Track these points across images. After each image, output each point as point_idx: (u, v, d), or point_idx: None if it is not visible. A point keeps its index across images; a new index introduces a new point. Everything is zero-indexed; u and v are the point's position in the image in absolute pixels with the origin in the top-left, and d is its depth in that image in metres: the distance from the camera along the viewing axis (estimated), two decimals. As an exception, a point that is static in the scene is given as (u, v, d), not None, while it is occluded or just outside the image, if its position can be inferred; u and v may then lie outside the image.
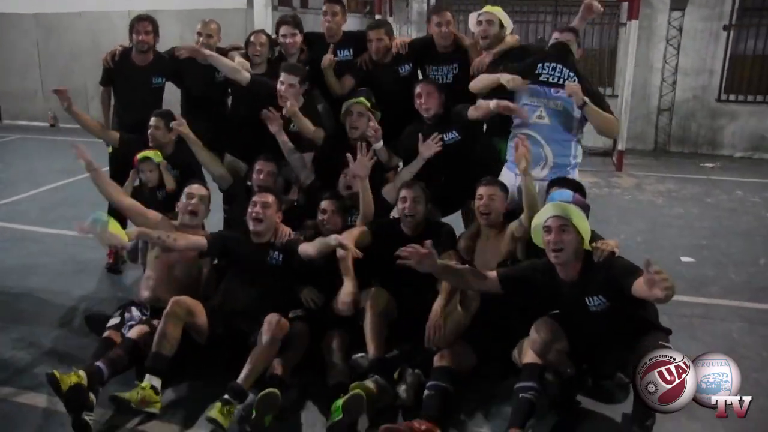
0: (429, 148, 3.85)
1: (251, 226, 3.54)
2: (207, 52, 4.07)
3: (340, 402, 2.84)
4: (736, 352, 3.56)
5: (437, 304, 3.19)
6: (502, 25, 4.03)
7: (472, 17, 4.06)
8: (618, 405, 3.02)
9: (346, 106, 4.06)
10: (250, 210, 3.55)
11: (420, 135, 3.90)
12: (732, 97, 9.78)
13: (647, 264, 2.40)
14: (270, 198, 3.57)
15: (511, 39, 4.08)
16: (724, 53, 9.61)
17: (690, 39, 9.60)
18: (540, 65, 3.74)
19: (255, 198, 3.57)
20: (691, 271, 4.87)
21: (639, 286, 2.57)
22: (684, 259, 5.11)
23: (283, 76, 3.93)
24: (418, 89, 3.95)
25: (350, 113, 4.02)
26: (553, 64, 3.72)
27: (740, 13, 9.52)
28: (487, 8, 4.02)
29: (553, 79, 3.71)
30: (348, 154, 3.65)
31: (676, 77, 9.76)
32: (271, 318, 3.15)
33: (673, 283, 2.40)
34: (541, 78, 3.72)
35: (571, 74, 3.68)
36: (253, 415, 2.83)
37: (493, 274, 3.02)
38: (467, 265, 3.22)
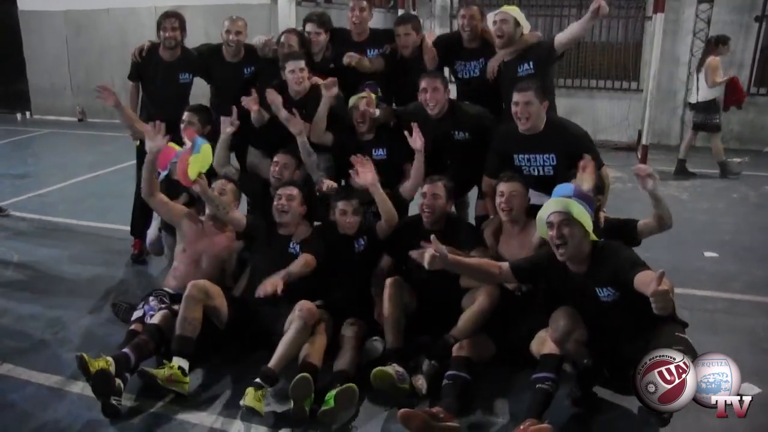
0: (415, 141, 3.70)
1: (276, 217, 3.61)
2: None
3: (333, 392, 2.89)
4: (759, 347, 3.55)
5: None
6: (518, 24, 3.97)
7: (489, 17, 4.03)
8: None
9: (352, 101, 4.09)
10: (275, 202, 3.62)
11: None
12: (762, 90, 9.57)
13: (660, 276, 2.39)
14: (295, 191, 3.65)
15: (530, 36, 4.03)
16: (755, 46, 9.40)
17: (719, 32, 9.35)
18: (516, 157, 3.64)
19: (280, 191, 3.65)
20: (714, 266, 4.82)
21: (640, 283, 2.57)
22: (707, 254, 5.06)
23: (289, 65, 4.03)
24: (423, 83, 3.86)
25: (356, 108, 4.04)
26: (528, 155, 3.61)
27: (773, 4, 9.29)
28: (504, 8, 3.99)
29: (534, 170, 3.61)
30: (351, 171, 3.62)
31: (704, 71, 9.58)
32: (303, 304, 3.21)
33: (669, 304, 2.40)
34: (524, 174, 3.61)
35: (549, 158, 3.56)
36: (292, 404, 2.89)
37: (505, 265, 3.03)
38: (479, 258, 3.20)
